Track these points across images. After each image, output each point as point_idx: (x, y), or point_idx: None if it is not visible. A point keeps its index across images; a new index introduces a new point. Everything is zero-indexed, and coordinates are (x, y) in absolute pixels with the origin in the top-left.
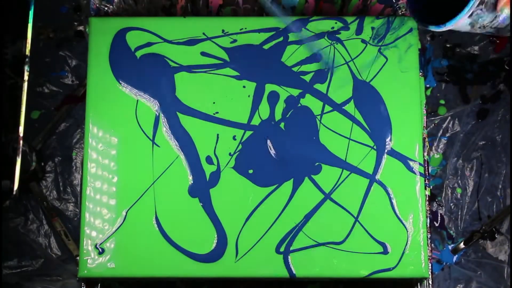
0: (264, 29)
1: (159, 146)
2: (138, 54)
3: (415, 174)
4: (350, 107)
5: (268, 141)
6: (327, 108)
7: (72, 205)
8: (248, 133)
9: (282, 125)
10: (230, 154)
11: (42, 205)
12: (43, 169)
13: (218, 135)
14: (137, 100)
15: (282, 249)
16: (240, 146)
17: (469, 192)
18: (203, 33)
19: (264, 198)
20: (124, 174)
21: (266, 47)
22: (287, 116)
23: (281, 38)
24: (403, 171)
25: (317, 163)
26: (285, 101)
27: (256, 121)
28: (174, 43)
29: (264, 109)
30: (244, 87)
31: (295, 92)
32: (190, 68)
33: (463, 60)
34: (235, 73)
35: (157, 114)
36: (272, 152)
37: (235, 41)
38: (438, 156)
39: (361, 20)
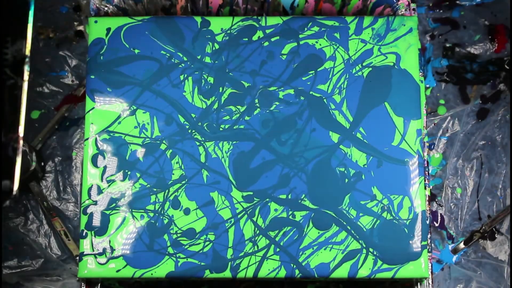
0: (264, 27)
1: (158, 146)
2: (137, 52)
3: (415, 174)
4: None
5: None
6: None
7: (72, 205)
8: (243, 130)
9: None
10: (226, 152)
11: (42, 205)
12: (43, 169)
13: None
14: (136, 100)
15: (281, 249)
16: (232, 147)
17: (469, 192)
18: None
19: (263, 198)
20: (123, 174)
21: (265, 44)
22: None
23: (278, 37)
24: (402, 171)
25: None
26: (283, 96)
27: (254, 120)
28: (173, 43)
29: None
30: (240, 86)
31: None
32: (188, 68)
33: (463, 60)
34: (232, 72)
35: (156, 113)
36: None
37: (232, 35)
38: (438, 156)
39: (361, 20)
